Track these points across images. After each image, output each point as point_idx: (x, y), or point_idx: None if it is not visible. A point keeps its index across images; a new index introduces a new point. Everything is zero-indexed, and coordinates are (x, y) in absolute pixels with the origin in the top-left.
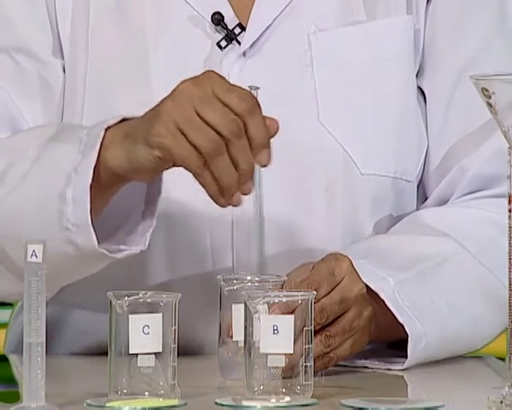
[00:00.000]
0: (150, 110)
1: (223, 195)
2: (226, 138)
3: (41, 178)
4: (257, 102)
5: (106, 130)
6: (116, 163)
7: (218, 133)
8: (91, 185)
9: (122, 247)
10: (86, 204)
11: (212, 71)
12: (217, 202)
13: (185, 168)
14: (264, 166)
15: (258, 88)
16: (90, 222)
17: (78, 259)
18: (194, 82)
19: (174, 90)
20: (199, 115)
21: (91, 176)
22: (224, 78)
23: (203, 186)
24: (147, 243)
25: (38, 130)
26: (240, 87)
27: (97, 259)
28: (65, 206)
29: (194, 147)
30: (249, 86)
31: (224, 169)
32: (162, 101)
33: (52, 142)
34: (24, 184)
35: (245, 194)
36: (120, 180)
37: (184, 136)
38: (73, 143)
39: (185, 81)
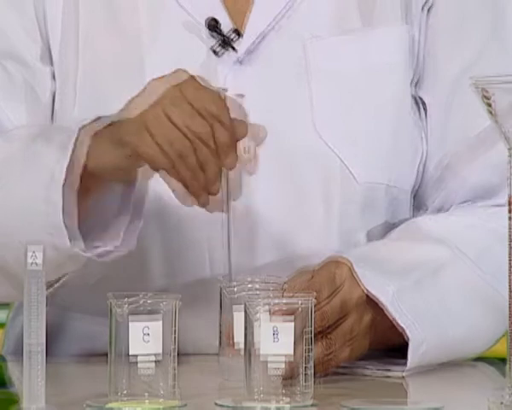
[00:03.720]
0: (121, 109)
1: (191, 195)
2: (193, 142)
3: (25, 181)
4: (225, 104)
5: (80, 130)
6: (91, 163)
7: (186, 136)
8: (69, 187)
9: (108, 249)
10: (59, 206)
11: (183, 70)
12: (183, 203)
13: (152, 168)
14: (231, 169)
15: (226, 90)
16: (63, 224)
17: (60, 259)
18: (163, 81)
19: (144, 89)
20: (167, 116)
21: (63, 178)
22: (194, 77)
23: (169, 187)
24: (134, 243)
25: (23, 131)
26: (209, 89)
27: (76, 259)
28: (46, 208)
29: (161, 147)
30: (217, 88)
31: (191, 172)
32: (132, 99)
33: (34, 144)
34: (12, 186)
35: (212, 195)
36: (98, 180)
37: (152, 136)
38: (51, 146)
39: (155, 80)
